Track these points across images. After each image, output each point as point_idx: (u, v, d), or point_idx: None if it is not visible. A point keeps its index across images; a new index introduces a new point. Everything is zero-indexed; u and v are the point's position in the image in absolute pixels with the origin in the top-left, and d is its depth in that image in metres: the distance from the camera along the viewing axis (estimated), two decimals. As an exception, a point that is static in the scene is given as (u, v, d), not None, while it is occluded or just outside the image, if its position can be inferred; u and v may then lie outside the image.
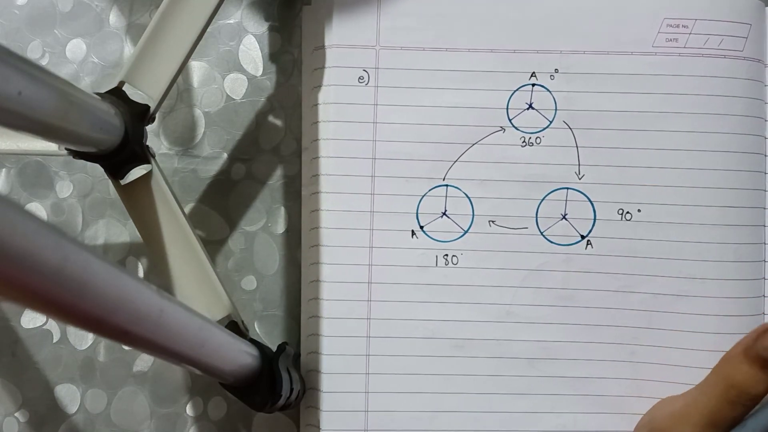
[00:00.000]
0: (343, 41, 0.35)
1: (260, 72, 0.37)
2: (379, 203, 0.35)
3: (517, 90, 0.35)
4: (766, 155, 0.35)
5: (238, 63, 0.37)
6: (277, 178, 0.36)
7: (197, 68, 0.37)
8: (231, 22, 0.37)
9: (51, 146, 0.30)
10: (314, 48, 0.36)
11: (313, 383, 0.34)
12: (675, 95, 0.34)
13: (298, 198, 0.36)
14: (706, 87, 0.34)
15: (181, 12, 0.30)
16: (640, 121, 0.34)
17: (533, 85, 0.35)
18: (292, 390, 0.31)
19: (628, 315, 0.34)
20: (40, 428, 0.36)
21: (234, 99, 0.37)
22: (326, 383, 0.34)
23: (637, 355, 0.34)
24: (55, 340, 0.36)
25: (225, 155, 0.37)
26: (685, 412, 0.30)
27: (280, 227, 0.36)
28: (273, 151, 0.37)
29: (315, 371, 0.34)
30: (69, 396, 0.36)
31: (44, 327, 0.36)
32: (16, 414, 0.36)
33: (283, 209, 0.36)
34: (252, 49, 0.37)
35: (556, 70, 0.35)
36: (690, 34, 0.34)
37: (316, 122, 0.35)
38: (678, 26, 0.35)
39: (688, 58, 0.34)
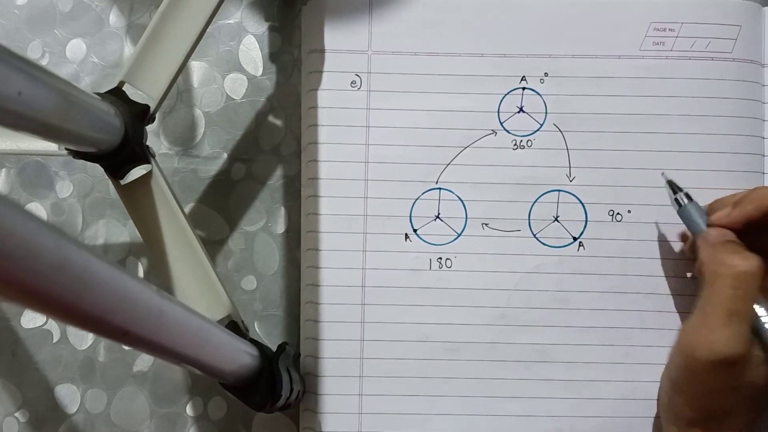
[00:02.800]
0: (335, 46, 0.35)
1: (260, 72, 0.37)
2: (372, 207, 0.35)
3: (507, 94, 0.35)
4: (764, 155, 0.35)
5: (238, 63, 0.37)
6: (277, 178, 0.36)
7: (197, 68, 0.37)
8: (231, 22, 0.37)
9: (51, 146, 0.30)
10: (309, 51, 0.36)
11: (310, 386, 0.34)
12: (663, 97, 0.35)
13: (298, 198, 0.36)
14: (694, 89, 0.35)
15: (181, 12, 0.30)
16: (630, 123, 0.35)
17: (524, 88, 0.35)
18: (291, 390, 0.31)
19: (621, 316, 0.34)
20: (40, 428, 0.36)
21: (234, 99, 0.37)
22: (322, 386, 0.34)
23: (630, 357, 0.34)
24: (55, 340, 0.36)
25: (225, 155, 0.37)
26: (703, 322, 0.29)
27: (280, 227, 0.36)
28: (273, 151, 0.37)
29: (312, 375, 0.35)
30: (69, 396, 0.36)
31: (44, 327, 0.36)
32: (16, 414, 0.36)
33: (283, 209, 0.36)
34: (252, 49, 0.37)
35: (546, 74, 0.35)
36: (677, 37, 0.35)
37: (311, 126, 0.35)
38: (665, 30, 0.35)
39: (675, 60, 0.35)
